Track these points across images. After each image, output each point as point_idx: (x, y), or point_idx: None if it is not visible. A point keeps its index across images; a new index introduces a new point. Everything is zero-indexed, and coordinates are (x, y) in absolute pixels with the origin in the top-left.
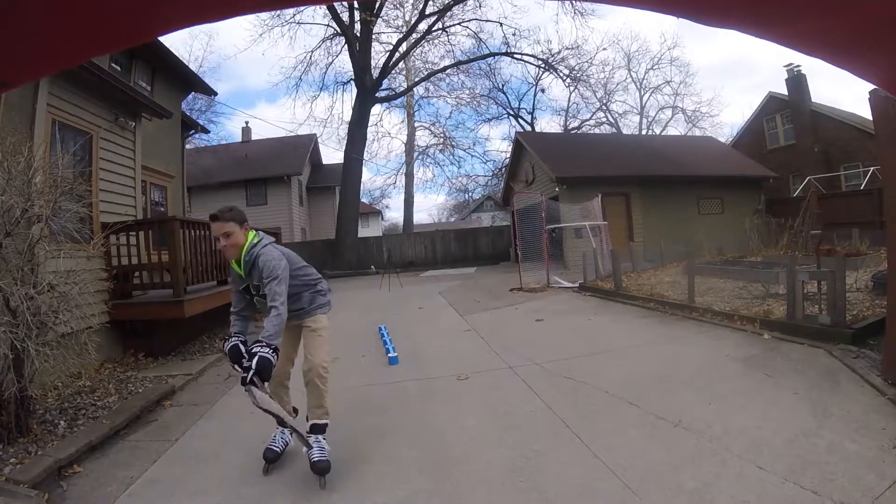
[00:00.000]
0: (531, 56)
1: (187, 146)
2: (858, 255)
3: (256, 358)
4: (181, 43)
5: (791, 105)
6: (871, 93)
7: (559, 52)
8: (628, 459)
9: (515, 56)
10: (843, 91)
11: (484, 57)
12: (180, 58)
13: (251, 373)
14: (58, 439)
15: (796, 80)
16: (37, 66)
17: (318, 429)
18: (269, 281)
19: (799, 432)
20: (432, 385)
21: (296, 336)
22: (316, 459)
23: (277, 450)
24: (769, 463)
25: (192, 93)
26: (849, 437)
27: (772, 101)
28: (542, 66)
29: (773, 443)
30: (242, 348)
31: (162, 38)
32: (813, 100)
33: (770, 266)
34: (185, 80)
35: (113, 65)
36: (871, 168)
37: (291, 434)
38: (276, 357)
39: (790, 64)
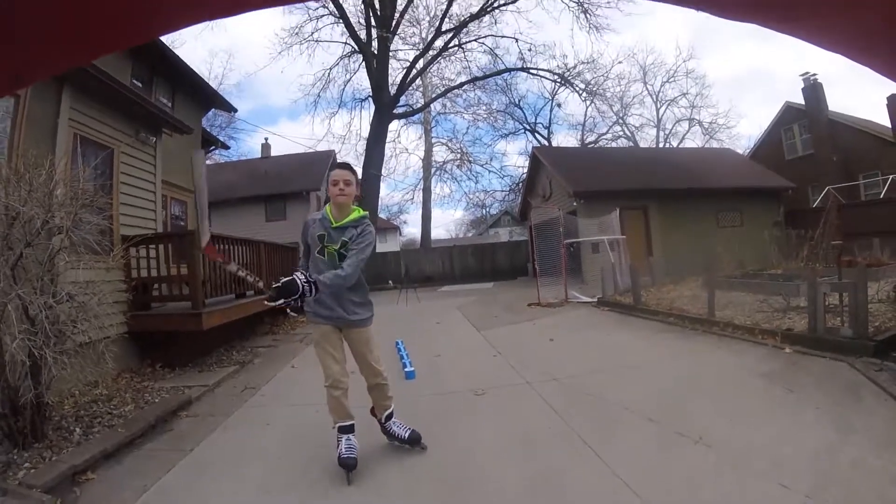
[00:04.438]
0: (547, 71)
1: (208, 161)
2: (880, 265)
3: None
4: (201, 61)
5: (808, 114)
6: (889, 98)
7: (575, 67)
8: (648, 477)
9: (531, 71)
10: (858, 101)
11: (500, 73)
12: (201, 75)
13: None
14: (73, 446)
15: (813, 89)
16: (49, 61)
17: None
18: (360, 248)
19: (821, 448)
20: (449, 400)
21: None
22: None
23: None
24: (792, 480)
25: (213, 109)
26: (872, 453)
27: (789, 111)
28: (558, 80)
29: (796, 459)
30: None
31: (182, 56)
32: (830, 109)
33: (791, 278)
34: (205, 96)
35: (134, 81)
36: (891, 176)
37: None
38: (310, 289)
39: (806, 73)
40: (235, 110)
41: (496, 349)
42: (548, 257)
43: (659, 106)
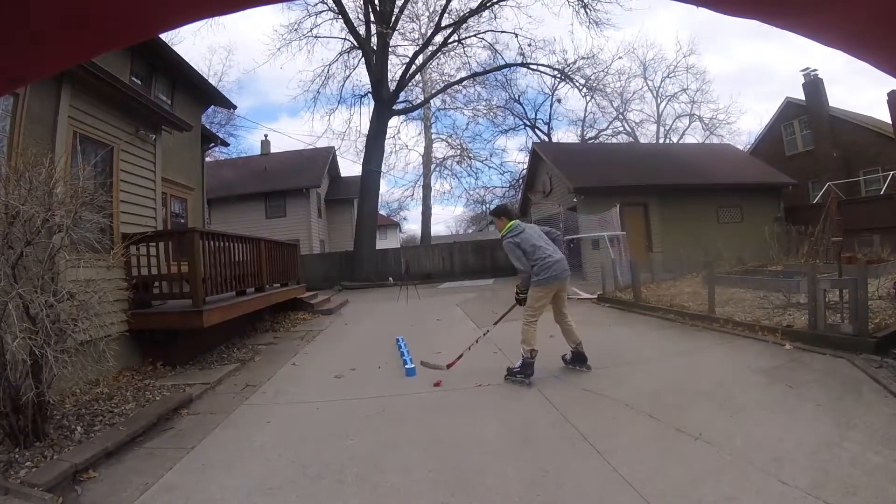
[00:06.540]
0: (547, 66)
1: (207, 159)
2: (880, 262)
3: None
4: (200, 58)
5: (809, 110)
6: (889, 94)
7: (575, 62)
8: (648, 473)
9: (531, 66)
10: (859, 98)
11: (500, 68)
12: (200, 72)
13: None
14: (74, 444)
15: (813, 85)
16: (49, 60)
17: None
18: None
19: (821, 445)
20: (449, 396)
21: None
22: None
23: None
24: (791, 476)
25: (212, 106)
26: (872, 450)
27: (789, 107)
28: (558, 76)
29: (795, 456)
30: None
31: (181, 53)
32: (830, 104)
33: (791, 275)
34: (204, 93)
35: (133, 78)
36: (892, 172)
37: None
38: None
39: (807, 69)
40: (235, 107)
41: (496, 346)
42: None
43: (659, 101)
